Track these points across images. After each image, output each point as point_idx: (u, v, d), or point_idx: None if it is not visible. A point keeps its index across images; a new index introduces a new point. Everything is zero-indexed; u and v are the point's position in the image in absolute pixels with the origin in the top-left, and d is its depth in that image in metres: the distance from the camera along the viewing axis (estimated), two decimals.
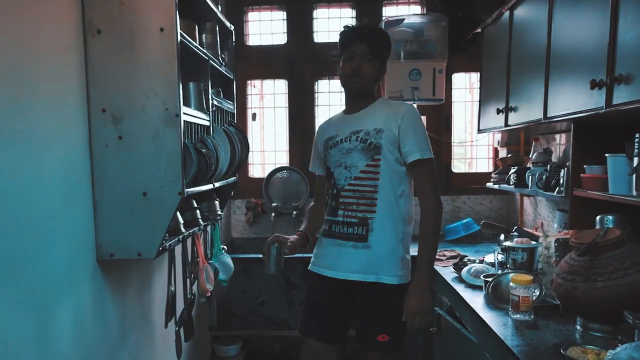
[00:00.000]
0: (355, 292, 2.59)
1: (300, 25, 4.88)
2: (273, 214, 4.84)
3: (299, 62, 4.88)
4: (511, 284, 2.44)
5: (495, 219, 4.84)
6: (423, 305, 2.42)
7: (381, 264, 2.49)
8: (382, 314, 2.53)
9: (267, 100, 5.10)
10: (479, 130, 4.05)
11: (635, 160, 2.17)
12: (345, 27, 2.59)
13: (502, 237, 3.55)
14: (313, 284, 2.70)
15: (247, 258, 4.17)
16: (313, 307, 2.69)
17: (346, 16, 4.91)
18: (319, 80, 4.98)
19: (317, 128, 2.84)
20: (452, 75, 4.85)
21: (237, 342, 4.35)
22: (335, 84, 4.92)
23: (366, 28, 2.58)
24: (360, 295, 2.59)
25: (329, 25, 4.93)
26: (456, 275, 3.27)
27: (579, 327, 2.25)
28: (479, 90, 4.11)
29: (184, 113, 2.36)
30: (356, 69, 2.49)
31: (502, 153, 4.49)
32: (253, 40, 5.00)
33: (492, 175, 4.28)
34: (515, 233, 3.53)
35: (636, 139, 2.19)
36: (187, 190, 2.38)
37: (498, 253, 3.17)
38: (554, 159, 3.68)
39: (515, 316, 2.40)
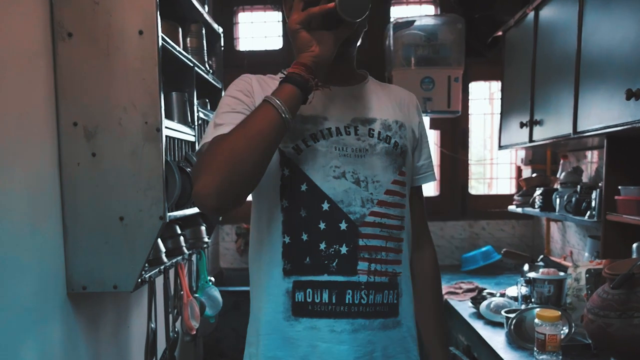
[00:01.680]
0: None
1: None
2: None
3: None
4: (536, 320, 2.43)
5: (518, 246, 4.84)
6: None
7: (412, 347, 1.77)
8: None
9: None
10: (500, 147, 4.06)
11: None
12: None
13: (526, 267, 3.55)
14: None
15: (238, 291, 4.16)
16: None
17: None
18: None
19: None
20: (470, 85, 4.88)
21: None
22: None
23: None
24: None
25: None
26: (474, 310, 3.26)
27: None
28: (500, 101, 4.12)
29: (166, 127, 2.36)
30: None
31: (526, 172, 4.50)
32: (244, 44, 5.04)
33: (515, 197, 4.29)
34: (541, 263, 3.53)
35: None
36: (169, 214, 2.37)
37: (521, 285, 3.16)
38: (584, 179, 3.68)
39: (541, 357, 2.39)
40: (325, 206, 1.61)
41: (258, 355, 1.66)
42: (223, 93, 3.49)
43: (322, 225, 1.61)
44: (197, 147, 2.96)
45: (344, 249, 1.61)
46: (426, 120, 4.71)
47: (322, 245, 1.61)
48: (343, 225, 1.62)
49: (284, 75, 1.52)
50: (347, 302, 1.61)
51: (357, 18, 1.48)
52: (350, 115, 1.70)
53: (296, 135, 1.63)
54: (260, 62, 4.87)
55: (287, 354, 1.62)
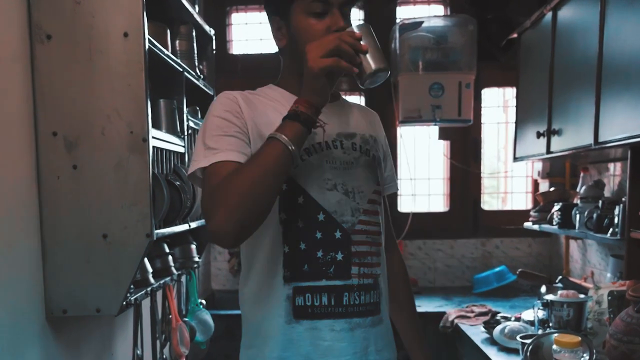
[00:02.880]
0: None
1: None
2: None
3: None
4: (554, 346, 2.42)
5: (534, 267, 4.82)
6: None
7: (392, 340, 2.04)
8: None
9: None
10: (515, 158, 4.06)
11: None
12: None
13: (543, 289, 3.54)
14: None
15: (231, 315, 4.14)
16: None
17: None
18: None
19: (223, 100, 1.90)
20: (482, 91, 4.89)
21: None
22: None
23: None
24: None
25: None
26: (487, 335, 3.26)
27: None
28: (515, 109, 4.13)
29: (153, 137, 2.36)
30: (343, 28, 1.80)
31: (544, 186, 4.49)
32: (238, 47, 5.05)
33: (531, 213, 4.28)
34: (560, 284, 3.52)
35: None
36: (157, 231, 2.37)
37: (538, 309, 3.15)
38: (606, 194, 3.68)
39: None
40: (321, 217, 1.85)
41: (264, 356, 1.87)
42: (215, 100, 3.49)
43: (318, 235, 1.84)
44: (187, 162, 2.96)
45: (339, 256, 1.85)
46: (435, 129, 4.72)
47: (319, 253, 1.83)
48: (338, 234, 1.85)
49: (271, 86, 1.86)
50: (344, 303, 1.85)
51: (370, 86, 1.71)
52: (335, 130, 1.92)
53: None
54: (255, 66, 4.86)
55: (291, 354, 1.83)
